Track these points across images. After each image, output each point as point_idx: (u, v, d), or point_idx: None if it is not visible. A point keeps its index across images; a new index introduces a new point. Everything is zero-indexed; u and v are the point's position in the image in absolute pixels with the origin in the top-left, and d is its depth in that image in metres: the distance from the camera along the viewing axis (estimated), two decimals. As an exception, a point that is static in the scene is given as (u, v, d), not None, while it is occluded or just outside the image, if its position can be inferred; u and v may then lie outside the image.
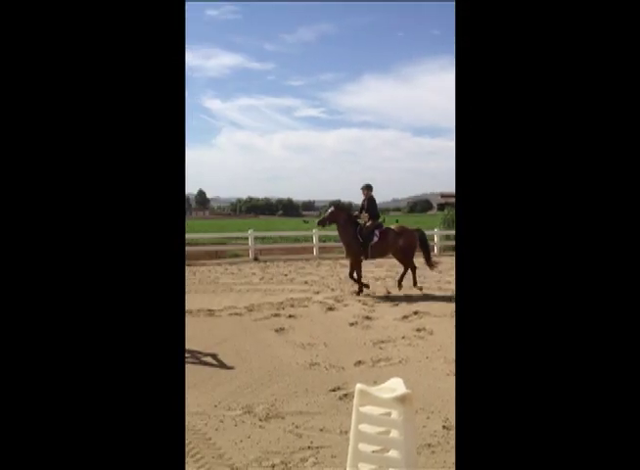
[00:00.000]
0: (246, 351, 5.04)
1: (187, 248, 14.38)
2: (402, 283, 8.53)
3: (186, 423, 3.28)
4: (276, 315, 6.72)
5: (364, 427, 2.25)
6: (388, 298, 8.02)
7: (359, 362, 4.60)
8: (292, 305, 7.41)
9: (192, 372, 4.35)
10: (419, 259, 8.99)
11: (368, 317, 6.52)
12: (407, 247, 8.52)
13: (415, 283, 8.56)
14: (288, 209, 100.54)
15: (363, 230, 8.28)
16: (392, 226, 8.80)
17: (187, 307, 7.00)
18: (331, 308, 7.13)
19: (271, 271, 11.59)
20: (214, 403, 3.64)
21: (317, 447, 2.93)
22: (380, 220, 8.60)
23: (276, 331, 5.85)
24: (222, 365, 4.58)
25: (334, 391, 3.87)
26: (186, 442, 3.00)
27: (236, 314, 6.80)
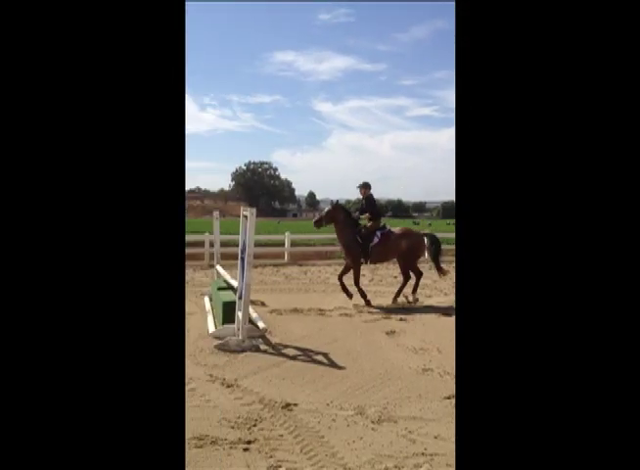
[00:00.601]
0: (356, 351, 5.05)
1: (299, 248, 14.75)
2: (401, 295, 7.69)
3: (299, 419, 3.35)
4: (386, 318, 6.66)
5: (484, 439, 2.14)
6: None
7: (474, 370, 4.40)
8: (403, 308, 7.31)
9: (304, 370, 4.45)
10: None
11: (483, 323, 6.23)
12: (410, 251, 7.66)
13: (414, 291, 7.67)
14: (398, 210, 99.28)
15: (363, 231, 7.59)
16: (396, 229, 8.01)
17: (298, 306, 7.20)
18: (446, 314, 6.90)
19: (381, 273, 11.53)
20: (326, 402, 3.68)
21: (431, 455, 2.85)
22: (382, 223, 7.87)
23: (387, 334, 5.80)
24: (333, 365, 4.63)
25: (448, 398, 3.74)
26: (299, 438, 3.07)
27: (346, 315, 6.84)
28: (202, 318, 6.42)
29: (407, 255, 7.69)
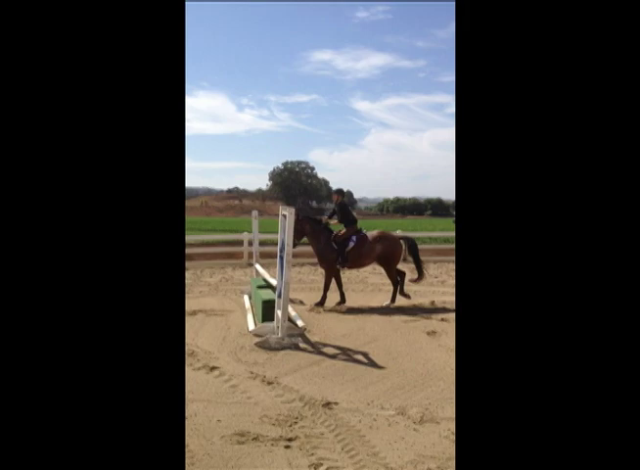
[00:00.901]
0: (397, 351, 5.00)
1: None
2: (397, 296, 7.43)
3: (339, 418, 3.34)
4: (427, 318, 6.58)
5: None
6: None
7: (519, 372, 4.29)
8: (443, 308, 7.21)
9: (344, 369, 4.44)
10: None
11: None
12: (387, 255, 7.35)
13: (401, 291, 7.47)
14: (437, 208, 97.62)
15: (337, 237, 7.31)
16: (372, 232, 7.65)
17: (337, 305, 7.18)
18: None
19: (420, 272, 11.38)
20: (367, 401, 3.66)
21: (475, 458, 2.79)
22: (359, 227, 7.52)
23: (428, 334, 5.72)
24: (374, 364, 4.60)
25: (491, 400, 3.66)
26: (340, 437, 3.06)
27: (385, 314, 6.80)
28: (242, 316, 6.50)
29: (384, 258, 7.44)
